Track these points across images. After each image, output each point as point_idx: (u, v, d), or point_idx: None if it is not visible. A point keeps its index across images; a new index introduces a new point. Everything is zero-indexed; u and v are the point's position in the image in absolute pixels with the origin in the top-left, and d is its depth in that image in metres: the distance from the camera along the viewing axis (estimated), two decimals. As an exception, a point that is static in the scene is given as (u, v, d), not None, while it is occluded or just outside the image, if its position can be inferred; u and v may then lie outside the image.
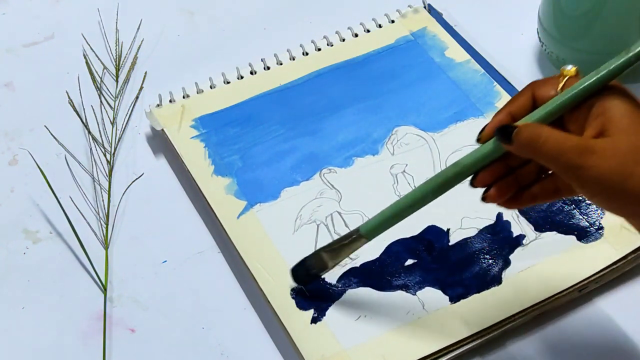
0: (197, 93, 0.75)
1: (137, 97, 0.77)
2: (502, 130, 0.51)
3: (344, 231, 0.65)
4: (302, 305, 0.62)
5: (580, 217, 0.65)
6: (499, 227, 0.65)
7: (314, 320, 0.61)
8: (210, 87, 0.75)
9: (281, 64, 0.77)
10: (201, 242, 0.68)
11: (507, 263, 0.63)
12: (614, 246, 0.63)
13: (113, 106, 0.77)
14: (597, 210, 0.65)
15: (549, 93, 0.52)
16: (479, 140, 0.53)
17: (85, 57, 0.80)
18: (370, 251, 0.64)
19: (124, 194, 0.70)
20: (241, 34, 0.83)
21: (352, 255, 0.63)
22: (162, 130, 0.72)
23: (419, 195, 0.56)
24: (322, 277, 0.63)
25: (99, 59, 0.80)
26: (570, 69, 0.52)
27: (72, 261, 0.67)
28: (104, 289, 0.65)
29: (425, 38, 0.78)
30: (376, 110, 0.73)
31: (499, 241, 0.64)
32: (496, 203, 0.54)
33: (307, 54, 0.77)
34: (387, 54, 0.77)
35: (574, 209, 0.66)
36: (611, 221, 0.64)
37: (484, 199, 0.54)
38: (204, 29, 0.84)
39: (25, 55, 0.83)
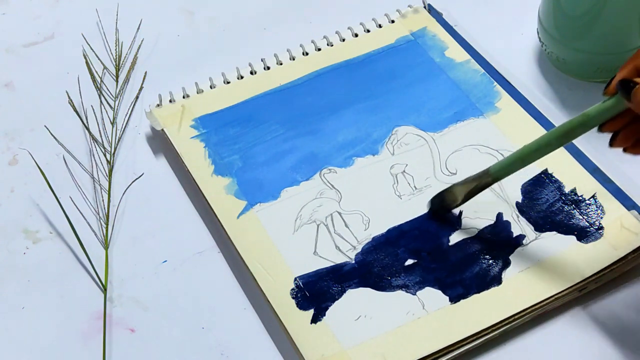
0: (197, 93, 0.75)
1: (137, 97, 0.77)
2: (623, 85, 0.51)
3: (344, 231, 0.65)
4: (302, 305, 0.62)
5: (580, 217, 0.65)
6: (499, 227, 0.65)
7: (314, 320, 0.61)
8: (210, 87, 0.75)
9: (281, 64, 0.77)
10: (201, 242, 0.67)
11: (507, 263, 0.63)
12: (614, 246, 0.63)
13: (113, 106, 0.77)
14: (597, 210, 0.65)
15: None
16: (605, 93, 0.54)
17: (85, 57, 0.80)
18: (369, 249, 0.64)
19: (124, 194, 0.70)
20: (241, 34, 0.83)
21: (351, 254, 0.64)
22: (162, 130, 0.72)
23: (543, 141, 0.58)
24: (453, 210, 0.65)
25: (99, 59, 0.80)
26: None
27: (72, 261, 0.67)
28: (104, 289, 0.65)
29: (425, 38, 0.78)
30: (376, 110, 0.73)
31: (499, 241, 0.64)
32: (622, 148, 0.55)
33: (307, 54, 0.77)
34: (387, 54, 0.77)
35: (574, 209, 0.66)
36: (611, 221, 0.64)
37: (612, 144, 0.55)
38: (204, 29, 0.84)
39: (25, 55, 0.82)
